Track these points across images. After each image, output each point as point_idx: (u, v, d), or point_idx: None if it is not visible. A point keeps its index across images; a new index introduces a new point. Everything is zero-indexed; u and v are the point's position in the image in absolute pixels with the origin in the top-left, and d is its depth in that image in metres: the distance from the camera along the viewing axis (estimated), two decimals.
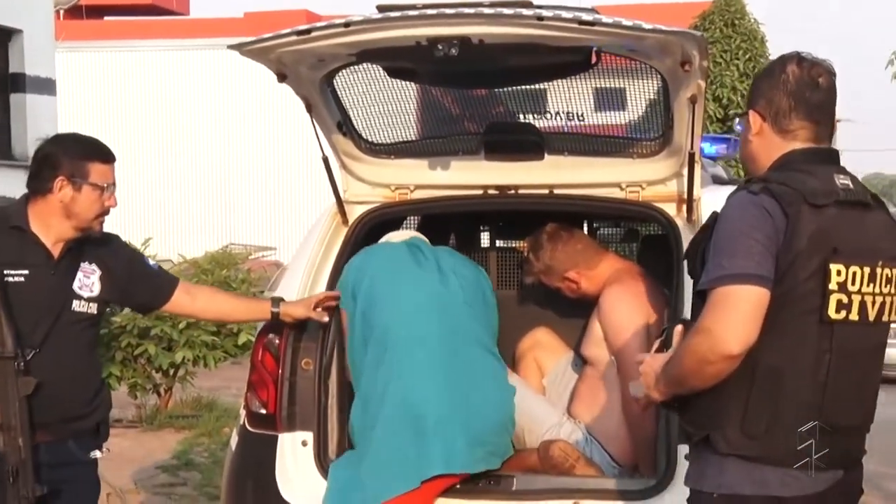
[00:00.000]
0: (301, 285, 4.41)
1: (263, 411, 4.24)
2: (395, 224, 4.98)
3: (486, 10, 3.58)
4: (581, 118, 4.48)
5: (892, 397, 3.44)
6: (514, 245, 5.65)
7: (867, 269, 2.86)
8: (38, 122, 14.58)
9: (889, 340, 3.08)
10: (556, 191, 4.56)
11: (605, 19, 3.50)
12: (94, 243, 3.85)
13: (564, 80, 4.27)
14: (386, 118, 4.51)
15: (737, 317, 2.75)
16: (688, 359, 2.83)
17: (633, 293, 4.37)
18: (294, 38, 3.77)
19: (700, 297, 2.87)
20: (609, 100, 4.51)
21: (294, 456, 4.19)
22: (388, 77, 4.26)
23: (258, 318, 4.34)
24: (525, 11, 3.54)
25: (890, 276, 2.91)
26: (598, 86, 4.32)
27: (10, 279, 3.62)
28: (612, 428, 4.34)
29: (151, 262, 4.13)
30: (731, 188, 5.47)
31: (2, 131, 15.40)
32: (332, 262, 4.48)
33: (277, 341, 4.26)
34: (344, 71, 4.19)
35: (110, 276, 3.85)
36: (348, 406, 4.26)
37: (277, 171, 28.24)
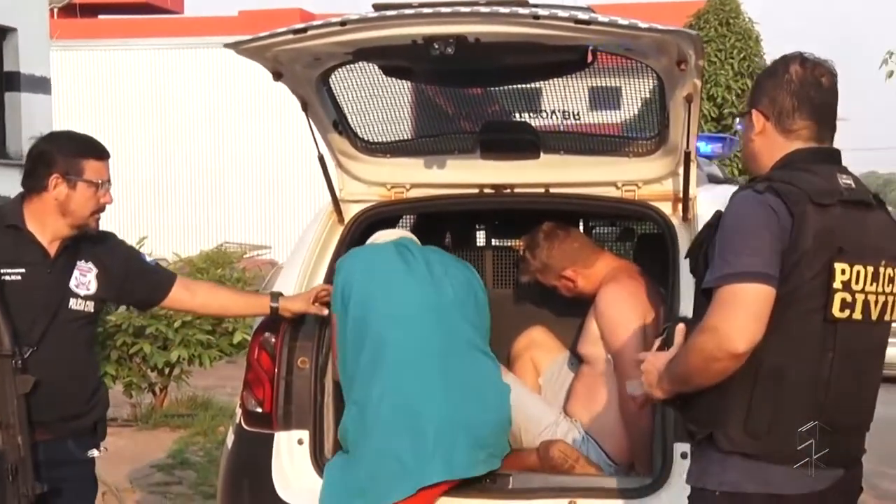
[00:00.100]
0: (297, 284, 4.41)
1: (259, 410, 4.24)
2: (392, 223, 4.98)
3: (482, 9, 3.58)
4: (577, 117, 4.48)
5: (889, 396, 3.45)
6: (509, 244, 5.65)
7: (870, 269, 2.87)
8: (32, 120, 14.57)
9: (889, 340, 3.09)
10: (552, 190, 4.57)
11: (601, 18, 3.50)
12: (90, 241, 3.84)
13: (560, 79, 4.27)
14: (382, 117, 4.52)
15: (743, 315, 2.75)
16: (693, 357, 2.84)
17: (629, 292, 4.38)
18: (290, 36, 3.77)
19: (705, 296, 2.87)
20: (605, 99, 4.52)
21: (290, 454, 4.18)
22: (384, 76, 4.26)
23: (257, 313, 4.34)
24: (521, 10, 3.54)
25: (892, 275, 2.92)
26: (594, 84, 4.32)
27: (7, 278, 3.62)
28: (609, 426, 4.35)
29: (149, 258, 4.13)
30: (726, 187, 5.52)
31: None
32: (328, 260, 4.48)
33: (273, 340, 4.26)
34: (340, 70, 4.19)
35: (107, 274, 3.85)
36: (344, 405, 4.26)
37: (272, 169, 28.23)
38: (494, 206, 4.92)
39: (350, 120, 4.51)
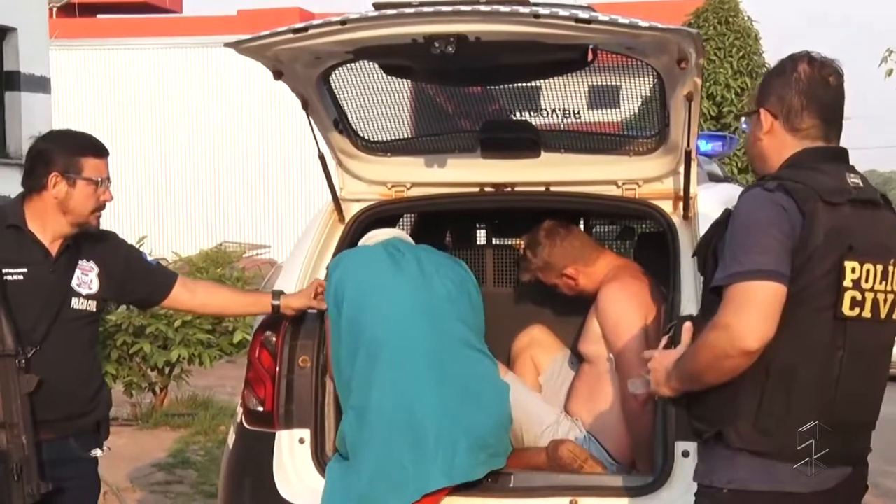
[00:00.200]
0: (297, 283, 4.41)
1: (261, 409, 4.24)
2: (392, 222, 4.98)
3: (483, 8, 3.58)
4: (577, 116, 4.49)
5: (892, 395, 3.47)
6: (510, 243, 5.65)
7: (880, 267, 2.88)
8: (32, 120, 14.57)
9: None
10: (553, 188, 4.57)
11: (601, 17, 3.50)
12: (91, 240, 3.85)
13: (561, 78, 4.27)
14: (382, 116, 4.52)
15: (755, 312, 2.76)
16: (705, 354, 2.85)
17: (631, 290, 4.38)
18: (291, 35, 3.76)
19: (715, 293, 2.87)
20: (605, 97, 4.52)
21: (291, 453, 4.18)
22: (384, 75, 4.26)
23: (258, 312, 4.34)
24: (521, 9, 3.54)
25: None
26: (595, 83, 4.32)
27: (9, 277, 3.62)
28: (610, 425, 4.35)
29: (150, 257, 4.13)
30: (726, 185, 5.53)
31: None
32: (329, 259, 4.47)
33: (274, 339, 4.25)
34: (340, 68, 4.19)
35: (108, 273, 3.85)
36: None
37: (271, 168, 28.22)
38: (495, 205, 4.92)
39: (350, 119, 4.51)
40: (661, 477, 3.87)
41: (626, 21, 3.49)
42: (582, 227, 5.37)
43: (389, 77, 4.29)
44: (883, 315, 2.92)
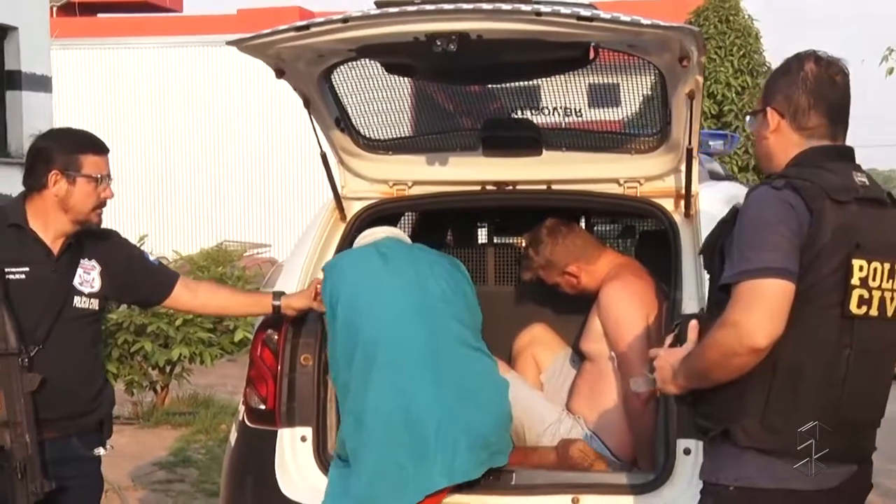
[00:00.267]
0: (299, 282, 4.41)
1: (263, 407, 4.24)
2: (394, 220, 4.98)
3: (485, 6, 3.58)
4: (579, 114, 4.49)
5: (893, 392, 3.47)
6: (511, 241, 5.66)
7: (887, 265, 2.89)
8: (33, 119, 14.56)
9: None
10: (554, 186, 4.57)
11: (603, 15, 3.50)
12: (93, 239, 3.85)
13: (563, 76, 4.27)
14: (384, 114, 4.51)
15: (764, 310, 2.77)
16: (713, 352, 2.85)
17: (632, 289, 4.38)
18: (293, 33, 3.77)
19: (723, 291, 2.88)
20: (607, 95, 4.52)
21: (293, 451, 4.18)
22: (386, 73, 4.26)
23: (259, 312, 4.34)
24: (523, 7, 3.54)
25: None
26: (596, 81, 4.32)
27: (11, 277, 3.62)
28: (612, 423, 4.35)
29: (151, 257, 4.13)
30: (727, 183, 5.53)
31: None
32: (330, 257, 4.47)
33: (276, 337, 4.25)
34: (342, 67, 4.19)
35: (110, 272, 3.85)
36: None
37: (271, 168, 28.21)
38: (497, 203, 4.92)
39: (352, 117, 4.51)
40: (662, 474, 3.87)
41: (627, 19, 3.49)
42: (583, 225, 5.38)
43: (391, 75, 4.29)
44: (890, 313, 2.92)
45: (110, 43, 29.42)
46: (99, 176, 3.72)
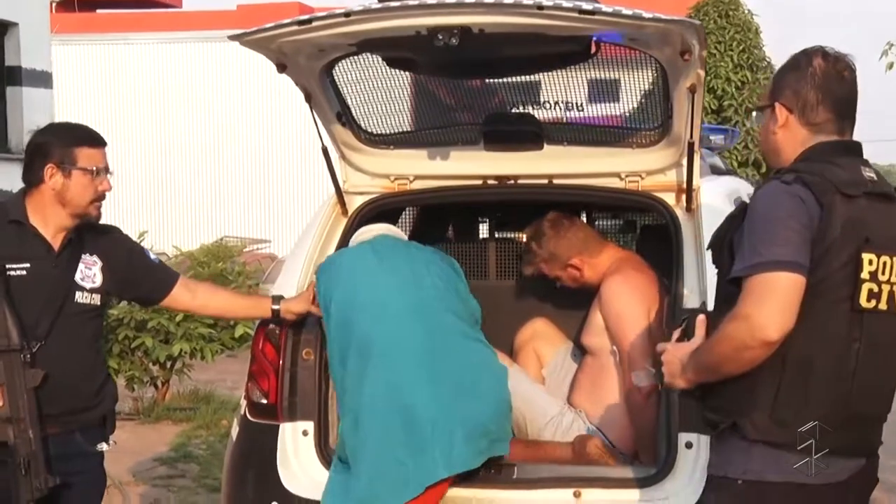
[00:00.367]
0: (301, 276, 4.41)
1: (264, 401, 4.24)
2: (395, 215, 4.97)
3: (487, 0, 3.58)
4: (580, 108, 4.49)
5: None
6: (513, 236, 5.66)
7: (895, 260, 2.90)
8: (34, 115, 14.56)
9: None
10: (556, 181, 4.57)
11: (605, 8, 3.50)
12: (94, 234, 3.85)
13: (564, 70, 4.27)
14: (385, 108, 4.51)
15: (776, 303, 2.78)
16: (724, 345, 2.86)
17: (633, 283, 4.38)
18: (295, 27, 3.76)
19: (734, 285, 2.89)
20: (608, 89, 4.51)
21: (295, 445, 4.19)
22: (387, 67, 4.26)
23: (258, 315, 4.32)
24: (525, 1, 3.54)
25: None
26: (597, 75, 4.32)
27: (12, 273, 3.62)
28: (614, 417, 4.36)
29: (152, 255, 4.13)
30: (728, 178, 5.53)
31: None
32: (332, 251, 4.47)
33: (278, 331, 4.26)
34: (344, 61, 4.18)
35: (111, 267, 3.85)
36: None
37: (271, 163, 28.20)
38: (498, 198, 4.92)
39: (354, 112, 4.51)
40: (664, 468, 3.87)
41: (629, 12, 3.49)
42: (584, 219, 5.38)
43: (393, 70, 4.29)
44: None
45: (110, 39, 29.41)
46: (94, 168, 3.70)
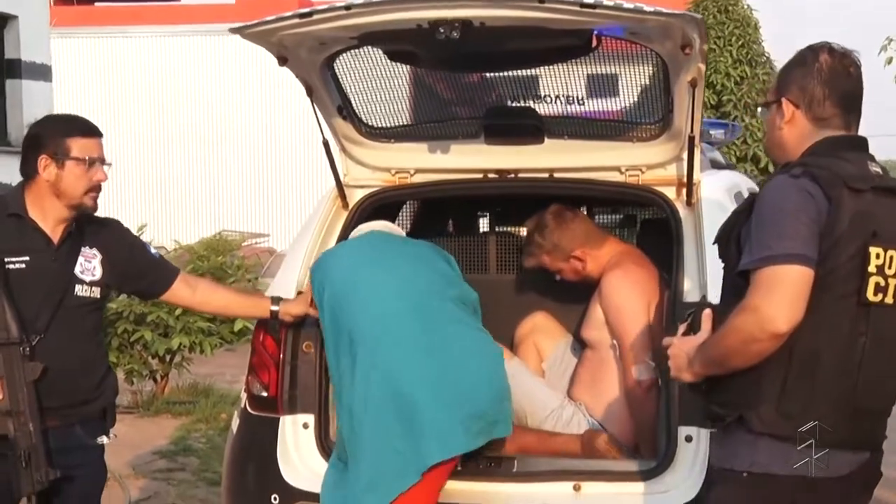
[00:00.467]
0: (301, 270, 4.42)
1: (265, 394, 4.24)
2: (396, 208, 4.97)
3: None
4: (581, 102, 4.49)
5: None
6: (513, 230, 5.66)
7: None
8: (33, 107, 14.53)
9: None
10: (556, 174, 4.57)
11: (606, 2, 3.50)
12: (94, 227, 3.85)
13: (565, 64, 4.27)
14: (386, 102, 4.51)
15: (785, 296, 2.79)
16: (733, 337, 2.87)
17: (634, 277, 4.38)
18: (296, 20, 3.76)
19: (742, 278, 2.89)
20: (609, 83, 4.51)
21: (295, 438, 4.19)
22: (388, 61, 4.26)
23: (257, 315, 4.30)
24: None
25: None
26: (598, 69, 4.32)
27: (12, 266, 3.62)
28: (613, 410, 4.36)
29: (153, 249, 4.13)
30: (729, 172, 5.53)
31: None
32: (333, 244, 4.48)
33: (278, 325, 4.26)
34: (345, 54, 4.18)
35: (111, 260, 3.85)
36: None
37: (271, 157, 28.18)
38: (499, 191, 4.91)
39: (354, 105, 4.51)
40: (664, 461, 3.88)
41: (630, 6, 3.49)
42: (585, 213, 5.38)
43: (394, 63, 4.29)
44: None
45: (108, 32, 29.38)
46: (88, 158, 3.70)
